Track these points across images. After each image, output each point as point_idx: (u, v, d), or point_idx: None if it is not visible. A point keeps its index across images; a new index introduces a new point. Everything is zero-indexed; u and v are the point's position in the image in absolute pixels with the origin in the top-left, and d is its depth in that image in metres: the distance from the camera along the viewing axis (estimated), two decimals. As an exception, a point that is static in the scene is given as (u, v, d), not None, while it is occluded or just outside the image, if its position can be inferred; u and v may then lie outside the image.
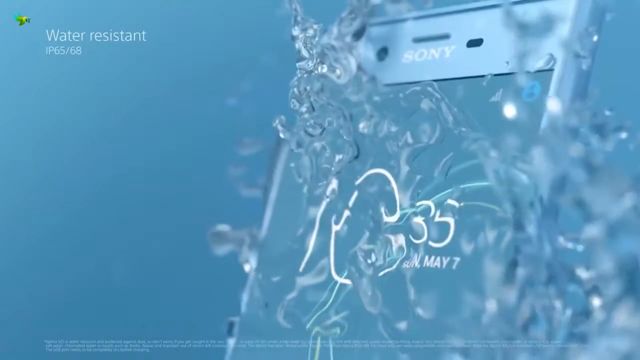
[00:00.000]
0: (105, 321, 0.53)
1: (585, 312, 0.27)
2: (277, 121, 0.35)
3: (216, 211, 0.51)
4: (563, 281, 0.27)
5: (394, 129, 0.34)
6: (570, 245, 0.29)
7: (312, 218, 0.36)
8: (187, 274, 0.54)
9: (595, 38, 0.30)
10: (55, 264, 0.57)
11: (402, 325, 0.31)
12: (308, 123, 0.35)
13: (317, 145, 0.35)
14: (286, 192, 0.38)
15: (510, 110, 0.27)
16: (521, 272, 0.27)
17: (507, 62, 0.31)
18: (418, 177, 0.32)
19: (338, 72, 0.35)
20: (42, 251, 0.58)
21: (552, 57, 0.30)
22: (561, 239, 0.29)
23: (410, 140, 0.33)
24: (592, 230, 0.24)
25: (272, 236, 0.38)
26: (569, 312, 0.27)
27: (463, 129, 0.31)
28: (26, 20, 0.47)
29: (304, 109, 0.35)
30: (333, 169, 0.35)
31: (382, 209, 0.33)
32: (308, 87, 0.35)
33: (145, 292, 0.55)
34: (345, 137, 0.35)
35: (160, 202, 0.57)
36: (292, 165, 0.36)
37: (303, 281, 0.35)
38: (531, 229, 0.27)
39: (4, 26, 0.52)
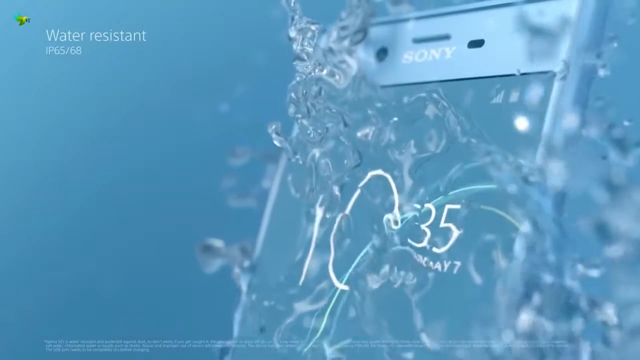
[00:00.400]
0: (105, 321, 0.53)
1: (607, 343, 0.26)
2: (273, 127, 0.34)
3: (216, 211, 0.51)
4: (579, 307, 0.27)
5: (395, 135, 0.33)
6: (587, 270, 0.28)
7: (311, 228, 0.35)
8: (187, 273, 0.54)
9: (599, 41, 0.29)
10: (55, 264, 0.57)
11: (404, 337, 0.31)
12: (308, 131, 0.34)
13: (316, 152, 0.35)
14: (283, 202, 0.37)
15: (522, 123, 0.27)
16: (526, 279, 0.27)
17: (519, 70, 0.31)
18: (419, 180, 0.32)
19: (337, 76, 0.35)
20: (42, 251, 0.58)
21: (554, 60, 0.30)
22: (580, 267, 0.28)
23: (412, 146, 0.33)
24: (612, 253, 0.24)
25: (268, 249, 0.37)
26: (587, 345, 0.27)
27: (471, 138, 0.31)
28: (26, 20, 0.47)
29: (301, 115, 0.34)
30: (333, 177, 0.35)
31: (382, 213, 0.33)
32: (306, 91, 0.34)
33: (145, 292, 0.55)
34: (346, 144, 0.34)
35: (162, 202, 0.57)
36: (289, 177, 0.36)
37: (303, 292, 0.35)
38: (540, 241, 0.27)
39: (4, 26, 0.52)
